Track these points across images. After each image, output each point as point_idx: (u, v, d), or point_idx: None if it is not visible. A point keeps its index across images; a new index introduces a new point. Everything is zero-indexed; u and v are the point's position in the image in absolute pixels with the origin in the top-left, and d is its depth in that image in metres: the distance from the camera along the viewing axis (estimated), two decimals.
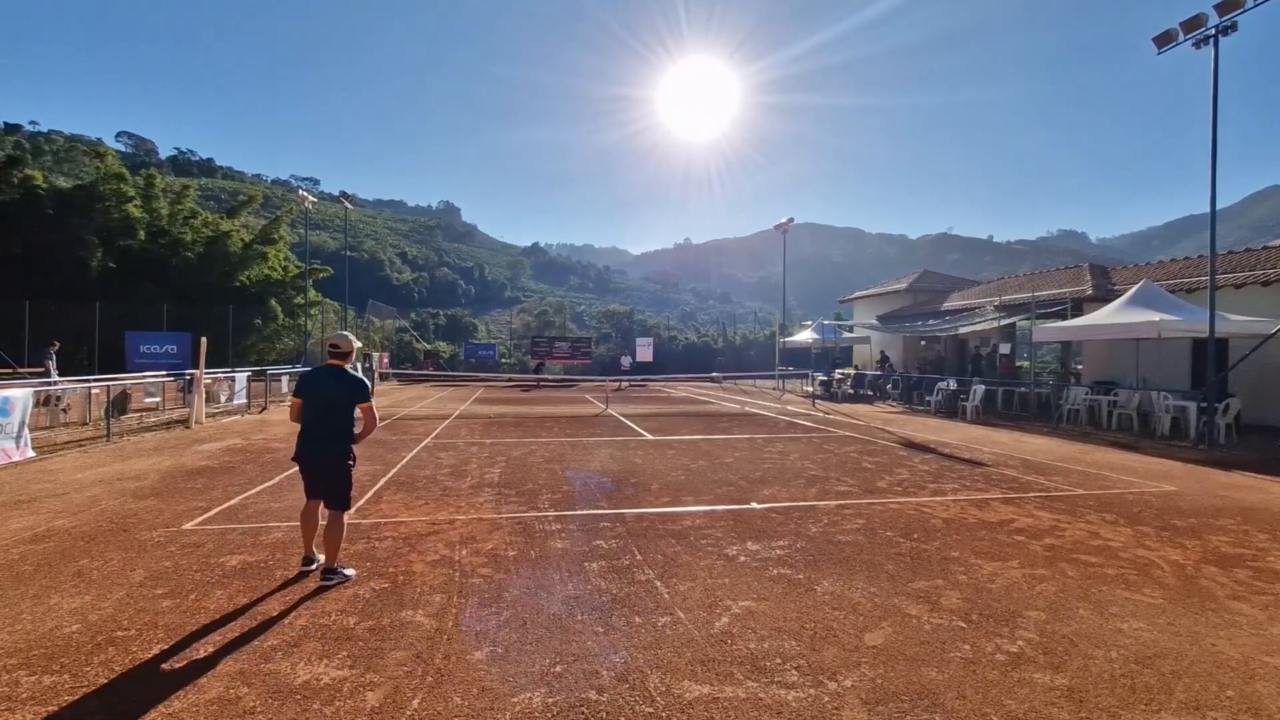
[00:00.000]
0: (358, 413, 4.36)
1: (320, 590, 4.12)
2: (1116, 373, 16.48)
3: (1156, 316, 12.34)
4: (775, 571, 4.57)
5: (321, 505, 4.41)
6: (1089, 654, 3.35)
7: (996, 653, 3.35)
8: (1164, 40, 12.47)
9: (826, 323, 27.81)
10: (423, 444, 10.64)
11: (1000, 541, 5.38)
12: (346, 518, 4.39)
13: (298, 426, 4.36)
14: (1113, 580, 4.48)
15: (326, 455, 4.28)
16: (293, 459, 4.42)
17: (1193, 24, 11.80)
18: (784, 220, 30.54)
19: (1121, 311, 13.55)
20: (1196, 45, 11.88)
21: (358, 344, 4.67)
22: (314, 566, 4.41)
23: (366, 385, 4.39)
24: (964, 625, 3.69)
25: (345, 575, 4.30)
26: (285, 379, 20.42)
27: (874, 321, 27.86)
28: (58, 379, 12.99)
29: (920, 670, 3.15)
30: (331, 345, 4.40)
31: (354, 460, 4.38)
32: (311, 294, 34.90)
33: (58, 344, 13.46)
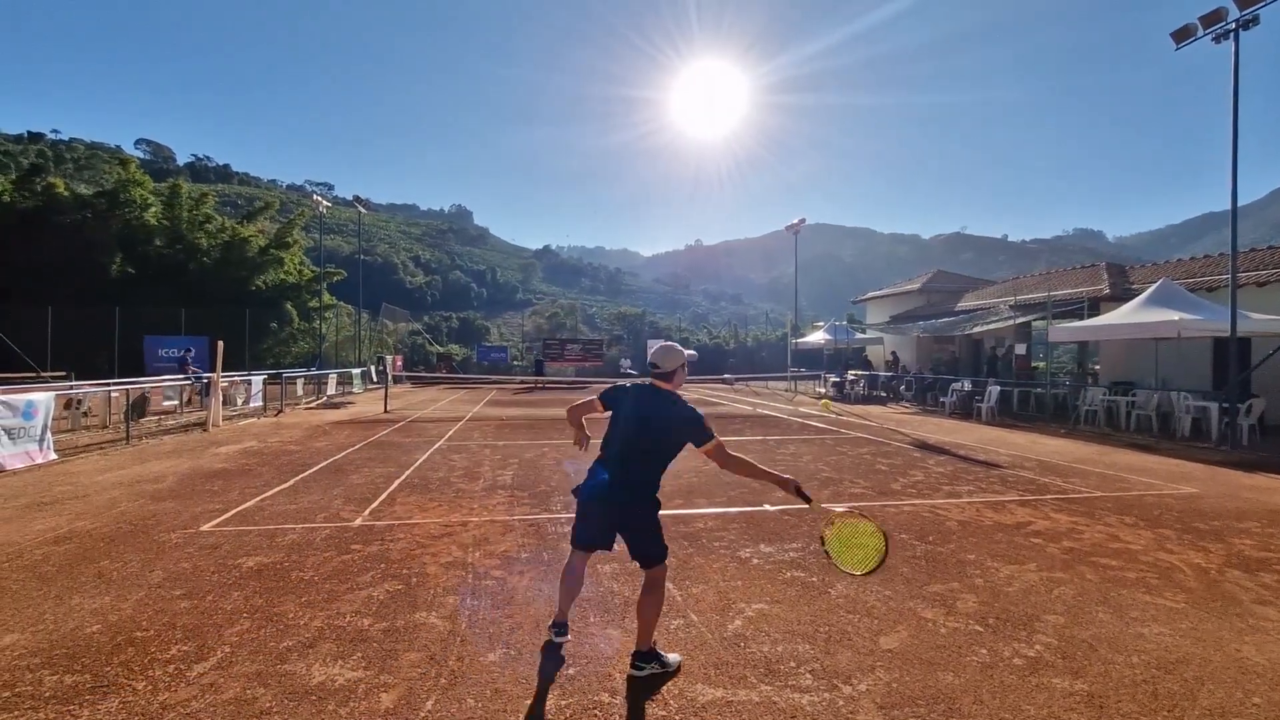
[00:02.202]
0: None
1: (341, 595, 4.15)
2: (1135, 373, 16.24)
3: (1176, 315, 12.14)
4: (789, 574, 4.54)
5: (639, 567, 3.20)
6: (1109, 659, 3.30)
7: (1014, 657, 3.31)
8: (1182, 35, 12.28)
9: (839, 323, 27.66)
10: (436, 446, 10.70)
11: (1017, 544, 5.31)
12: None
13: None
14: (1133, 584, 4.40)
15: (633, 501, 3.13)
16: (574, 491, 3.28)
17: (1212, 18, 11.62)
18: (796, 221, 30.42)
19: (1140, 311, 13.34)
20: (1216, 40, 11.69)
21: (689, 354, 3.48)
22: (567, 637, 3.30)
23: (702, 419, 3.11)
24: (980, 629, 3.64)
25: (667, 663, 3.13)
26: (300, 382, 20.64)
27: (887, 322, 27.66)
28: (195, 378, 13.42)
29: (936, 675, 3.12)
30: (651, 360, 3.31)
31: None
32: (326, 297, 35.28)
33: (193, 350, 14.12)
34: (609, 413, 3.35)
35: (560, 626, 3.27)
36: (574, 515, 3.29)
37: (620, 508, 3.11)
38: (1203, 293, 15.11)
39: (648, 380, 3.34)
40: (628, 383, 3.39)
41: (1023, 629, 3.65)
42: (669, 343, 3.42)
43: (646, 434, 3.14)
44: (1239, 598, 4.17)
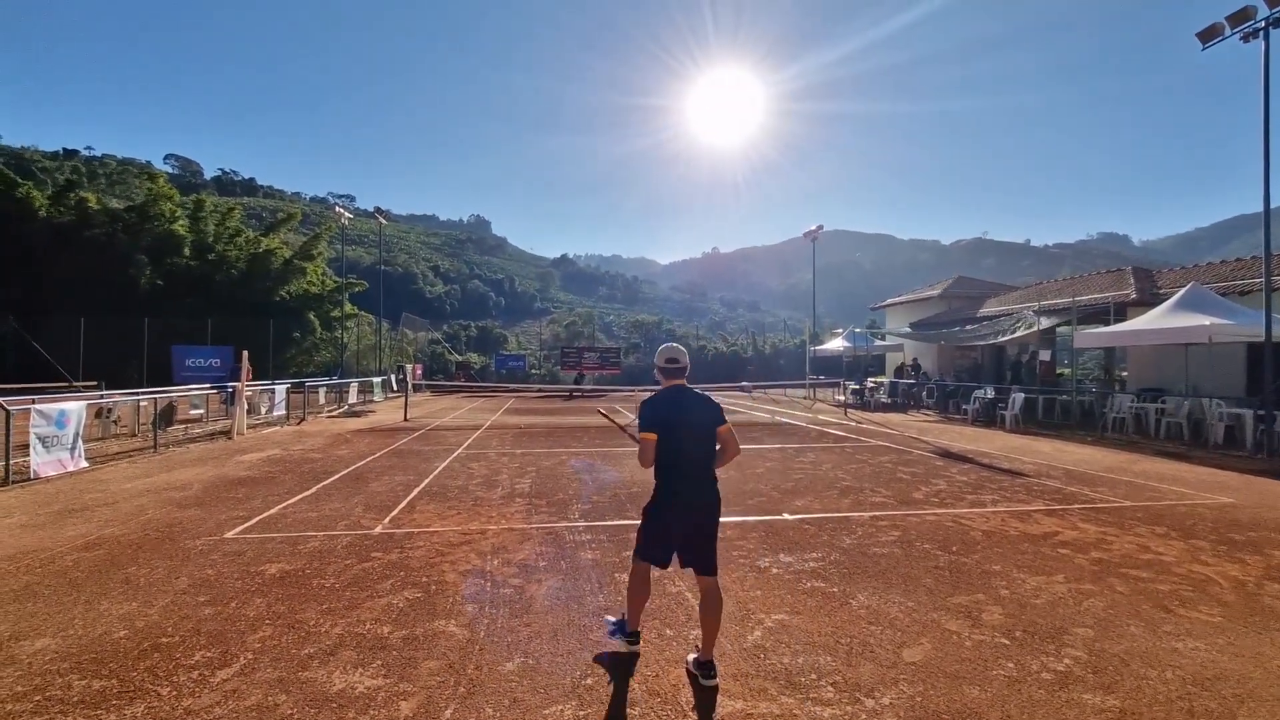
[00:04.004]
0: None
1: (361, 602, 4.18)
2: (1164, 379, 15.85)
3: (1207, 320, 11.84)
4: (809, 584, 4.49)
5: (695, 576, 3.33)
6: (1142, 674, 3.20)
7: (1043, 671, 3.22)
8: (1209, 35, 12.06)
9: (858, 330, 27.40)
10: (455, 454, 10.77)
11: (1044, 555, 5.19)
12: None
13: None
14: (1166, 596, 4.28)
15: (710, 496, 3.32)
16: (649, 509, 3.40)
17: (1241, 17, 11.40)
18: (813, 227, 30.27)
19: (1169, 316, 13.04)
20: (1245, 39, 11.46)
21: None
22: (638, 645, 3.49)
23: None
24: (1007, 642, 3.56)
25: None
26: (323, 390, 20.92)
27: (907, 329, 27.35)
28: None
29: (962, 688, 3.05)
30: (669, 360, 3.46)
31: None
32: (347, 307, 35.84)
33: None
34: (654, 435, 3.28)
35: (633, 635, 3.49)
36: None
37: (706, 508, 3.29)
38: (1234, 297, 14.72)
39: (669, 384, 3.45)
40: (649, 395, 3.47)
41: (1051, 642, 3.56)
42: (675, 347, 3.58)
43: (702, 430, 3.30)
44: None
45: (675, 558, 3.34)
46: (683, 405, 3.33)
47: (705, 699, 2.96)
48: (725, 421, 3.34)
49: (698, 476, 3.28)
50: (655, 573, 3.56)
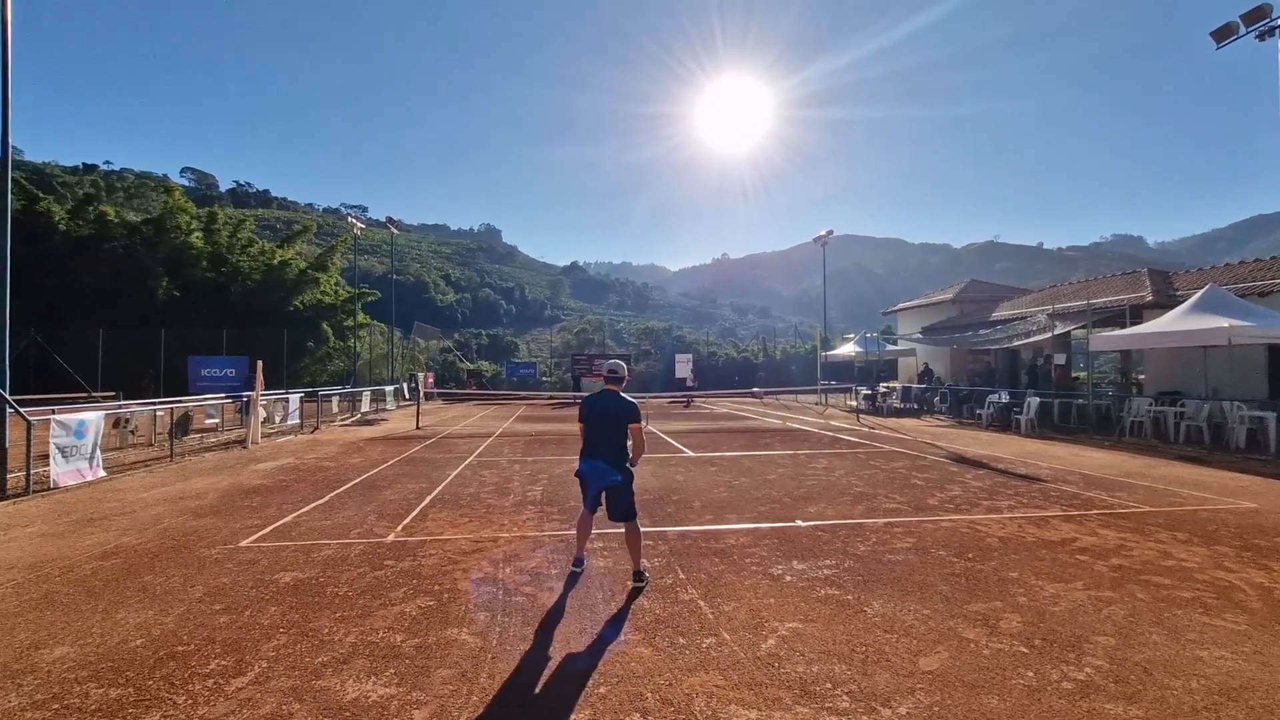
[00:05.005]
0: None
1: (374, 610, 4.19)
2: (1182, 382, 15.62)
3: (1226, 323, 11.66)
4: (823, 592, 4.44)
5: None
6: (1165, 684, 3.14)
7: (1063, 680, 3.17)
8: (1223, 35, 11.96)
9: (870, 335, 27.24)
10: (466, 462, 10.80)
11: (1062, 561, 5.11)
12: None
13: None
14: (1189, 604, 4.20)
15: (616, 467, 4.62)
16: (576, 474, 4.84)
17: (1255, 15, 11.30)
18: (823, 232, 30.20)
19: (1186, 318, 12.85)
20: (1260, 37, 11.36)
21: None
22: (583, 568, 4.86)
23: (638, 407, 4.76)
24: (1026, 650, 3.50)
25: (647, 577, 4.64)
26: (335, 399, 21.09)
27: (919, 334, 27.16)
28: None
29: (980, 698, 3.00)
30: (610, 371, 4.86)
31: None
32: (360, 317, 36.14)
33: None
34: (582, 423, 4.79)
35: (579, 561, 4.86)
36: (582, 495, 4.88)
37: (604, 477, 4.56)
38: (1254, 298, 14.49)
39: (607, 388, 4.81)
40: (587, 394, 4.87)
41: (1071, 651, 3.50)
42: (617, 360, 5.06)
43: (611, 421, 4.66)
44: None
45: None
46: (606, 404, 4.69)
47: (719, 712, 2.93)
48: (639, 421, 4.65)
49: (607, 454, 4.59)
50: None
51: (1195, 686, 3.11)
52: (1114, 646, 3.55)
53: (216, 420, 16.13)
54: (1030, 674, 3.23)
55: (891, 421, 18.66)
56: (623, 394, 4.75)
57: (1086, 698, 3.00)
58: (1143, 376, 19.87)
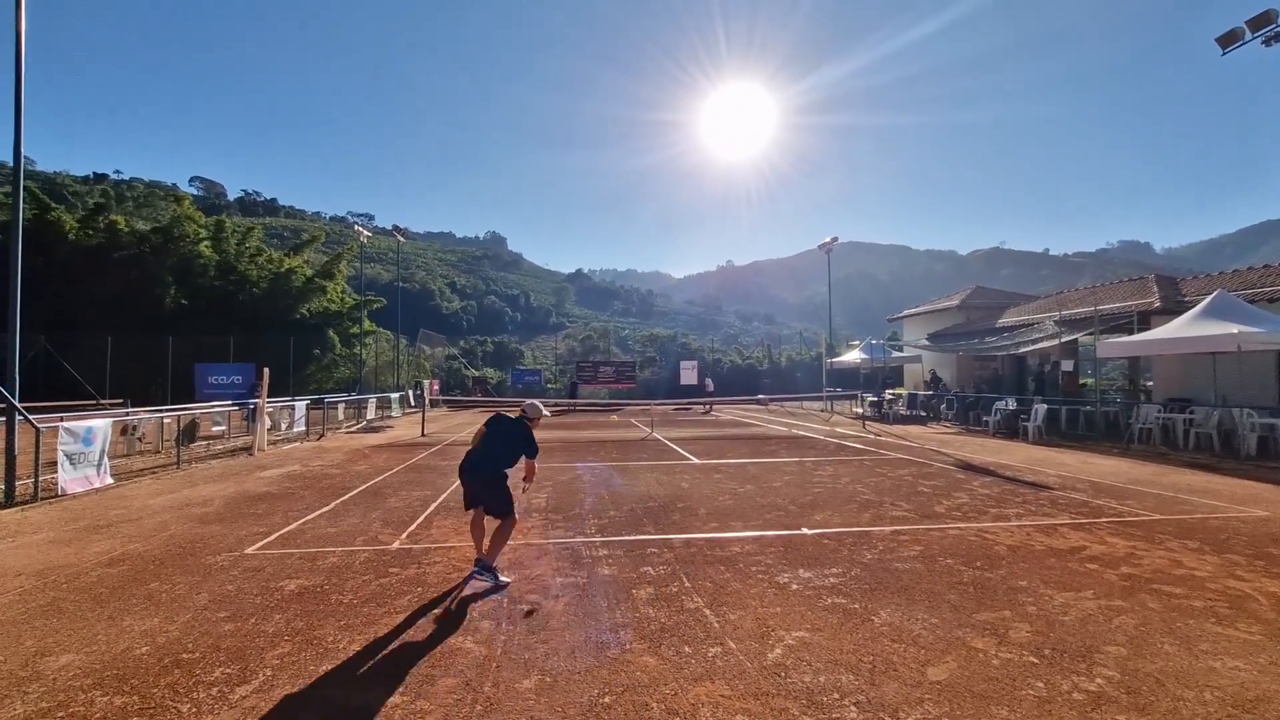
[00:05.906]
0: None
1: (379, 618, 4.18)
2: (1191, 389, 15.48)
3: (1235, 329, 11.57)
4: (829, 600, 4.41)
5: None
6: (1178, 695, 3.09)
7: (1074, 691, 3.13)
8: (1229, 40, 11.94)
9: (875, 342, 27.16)
10: None
11: (1072, 570, 5.06)
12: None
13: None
14: (1201, 613, 4.14)
15: (489, 475, 5.15)
16: (459, 472, 5.30)
17: (1261, 21, 11.28)
18: (828, 239, 30.20)
19: (1195, 324, 12.76)
20: (1266, 43, 11.33)
21: (546, 414, 5.79)
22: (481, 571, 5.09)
23: (534, 442, 5.33)
24: (1035, 660, 3.46)
25: (500, 581, 4.85)
26: (341, 406, 21.14)
27: (925, 340, 27.07)
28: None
29: (990, 709, 2.96)
30: (527, 409, 5.59)
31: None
32: (366, 324, 36.30)
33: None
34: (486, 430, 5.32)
35: (480, 562, 4.92)
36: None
37: (487, 479, 5.04)
38: (1263, 304, 14.38)
39: (518, 414, 5.50)
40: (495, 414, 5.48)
41: (1081, 661, 3.46)
42: (534, 401, 5.77)
43: (506, 441, 5.23)
44: None
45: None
46: (504, 428, 5.29)
47: (718, 712, 2.90)
48: (533, 455, 5.25)
49: (487, 464, 5.07)
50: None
51: (1209, 698, 3.07)
52: (1125, 657, 3.51)
53: (223, 427, 16.18)
54: (1040, 684, 3.20)
55: (897, 428, 18.58)
56: (529, 427, 5.37)
57: (1098, 709, 2.96)
58: (1151, 383, 19.72)
